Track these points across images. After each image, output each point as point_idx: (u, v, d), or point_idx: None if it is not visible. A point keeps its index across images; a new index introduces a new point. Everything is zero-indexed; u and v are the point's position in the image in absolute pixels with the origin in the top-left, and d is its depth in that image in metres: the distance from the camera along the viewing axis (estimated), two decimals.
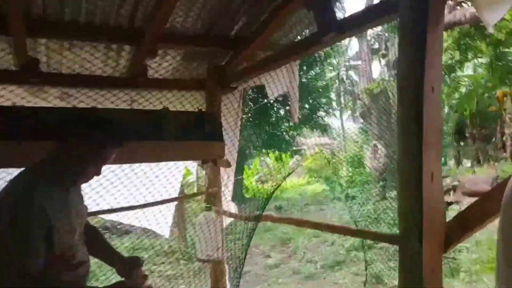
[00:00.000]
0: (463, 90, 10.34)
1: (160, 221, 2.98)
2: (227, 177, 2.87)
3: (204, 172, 2.97)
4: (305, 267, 5.74)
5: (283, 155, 14.45)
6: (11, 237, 1.25)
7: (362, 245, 5.79)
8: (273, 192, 2.60)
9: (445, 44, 8.27)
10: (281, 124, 14.04)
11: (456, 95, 10.50)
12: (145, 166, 2.72)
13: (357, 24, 1.68)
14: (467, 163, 11.22)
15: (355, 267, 5.58)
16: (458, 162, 11.22)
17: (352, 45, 22.79)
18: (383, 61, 17.56)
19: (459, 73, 10.16)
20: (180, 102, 2.83)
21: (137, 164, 2.64)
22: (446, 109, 10.72)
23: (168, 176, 2.77)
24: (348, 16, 1.77)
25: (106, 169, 2.28)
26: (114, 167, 2.49)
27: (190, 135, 2.40)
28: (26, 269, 1.25)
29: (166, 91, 2.78)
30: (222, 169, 2.78)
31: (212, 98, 2.82)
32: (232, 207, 2.93)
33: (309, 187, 14.41)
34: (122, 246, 8.09)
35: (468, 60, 10.13)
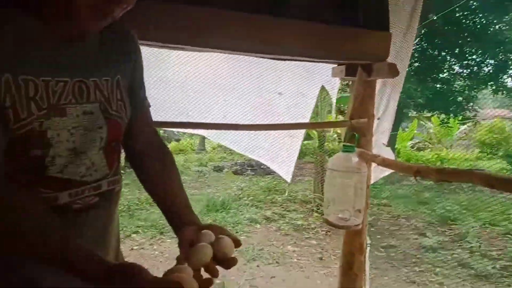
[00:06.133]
0: None
1: (283, 159, 2.16)
2: (385, 102, 1.79)
3: (348, 91, 1.94)
4: (477, 263, 4.22)
5: (451, 120, 11.85)
6: None
7: None
8: None
9: None
10: (453, 82, 11.45)
11: None
12: (263, 76, 1.88)
13: None
14: None
15: None
16: None
17: None
18: None
19: None
20: None
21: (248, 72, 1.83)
22: None
23: (293, 90, 1.86)
24: None
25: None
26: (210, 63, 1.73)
27: (330, 16, 1.42)
28: None
29: None
30: (379, 86, 1.72)
31: None
32: (386, 154, 1.87)
33: (480, 163, 11.48)
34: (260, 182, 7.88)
35: None
